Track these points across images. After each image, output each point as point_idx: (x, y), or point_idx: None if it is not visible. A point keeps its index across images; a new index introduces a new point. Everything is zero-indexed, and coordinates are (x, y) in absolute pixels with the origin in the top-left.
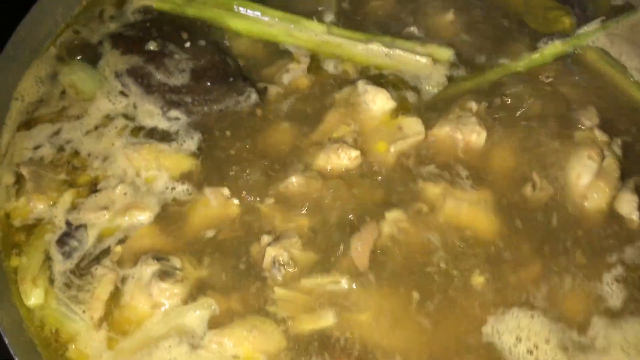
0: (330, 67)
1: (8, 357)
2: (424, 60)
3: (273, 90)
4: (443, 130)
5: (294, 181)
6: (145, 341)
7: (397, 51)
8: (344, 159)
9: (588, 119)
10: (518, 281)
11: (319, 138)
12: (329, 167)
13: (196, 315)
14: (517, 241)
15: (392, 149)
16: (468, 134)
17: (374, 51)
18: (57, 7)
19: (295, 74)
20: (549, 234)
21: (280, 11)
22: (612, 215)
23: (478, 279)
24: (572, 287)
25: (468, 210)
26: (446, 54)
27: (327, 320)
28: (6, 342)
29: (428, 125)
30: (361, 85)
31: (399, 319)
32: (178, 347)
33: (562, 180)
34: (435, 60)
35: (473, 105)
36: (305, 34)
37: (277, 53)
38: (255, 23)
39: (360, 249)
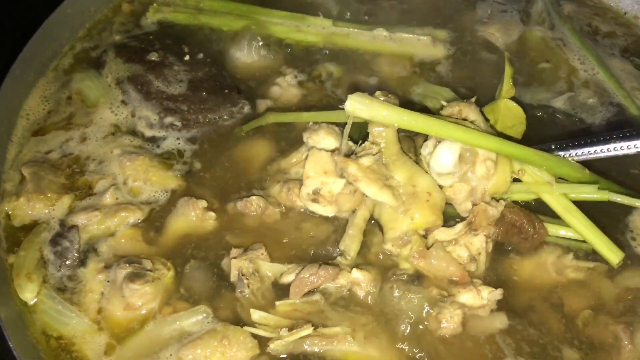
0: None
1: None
2: (425, 38)
3: (262, 105)
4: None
5: (255, 202)
6: (145, 348)
7: (400, 34)
8: (293, 196)
9: None
10: None
11: (285, 166)
12: (281, 199)
13: (192, 322)
14: None
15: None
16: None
17: (378, 37)
18: (62, 30)
19: (284, 91)
20: None
21: (287, 12)
22: None
23: None
24: None
25: None
26: (442, 34)
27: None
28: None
29: None
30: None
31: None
32: None
33: None
34: (434, 39)
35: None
36: (313, 28)
37: (271, 70)
38: (265, 24)
39: (300, 283)
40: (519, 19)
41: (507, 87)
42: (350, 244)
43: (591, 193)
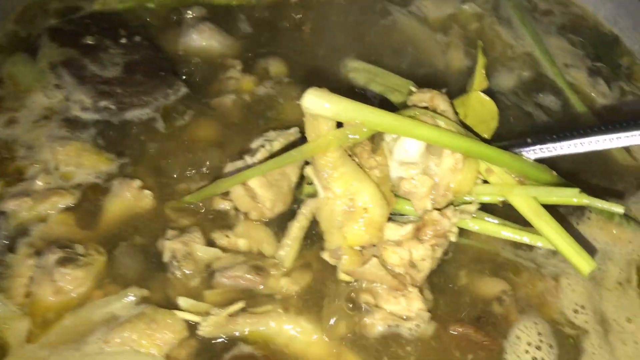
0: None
1: None
2: None
3: (226, 100)
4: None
5: None
6: (72, 332)
7: None
8: None
9: None
10: None
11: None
12: None
13: (122, 305)
14: None
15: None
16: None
17: None
18: None
19: (233, 76)
20: None
21: None
22: None
23: None
24: None
25: None
26: None
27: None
28: None
29: None
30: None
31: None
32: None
33: None
34: None
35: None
36: None
37: (215, 51)
38: None
39: (226, 277)
40: None
41: (479, 78)
42: (285, 255)
43: (571, 197)
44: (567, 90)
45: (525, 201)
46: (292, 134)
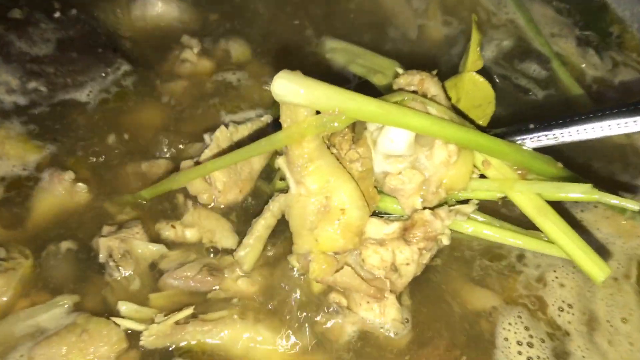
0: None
1: None
2: None
3: (179, 85)
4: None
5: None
6: None
7: None
8: None
9: None
10: None
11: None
12: None
13: (50, 315)
14: None
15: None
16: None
17: None
18: None
19: (188, 59)
20: None
21: None
22: None
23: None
24: None
25: None
26: None
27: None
28: None
29: None
30: None
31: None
32: None
33: None
34: None
35: None
36: None
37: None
38: None
39: (174, 278)
40: None
41: (473, 57)
42: (245, 256)
43: (581, 193)
44: (554, 62)
45: (528, 198)
46: (263, 120)
